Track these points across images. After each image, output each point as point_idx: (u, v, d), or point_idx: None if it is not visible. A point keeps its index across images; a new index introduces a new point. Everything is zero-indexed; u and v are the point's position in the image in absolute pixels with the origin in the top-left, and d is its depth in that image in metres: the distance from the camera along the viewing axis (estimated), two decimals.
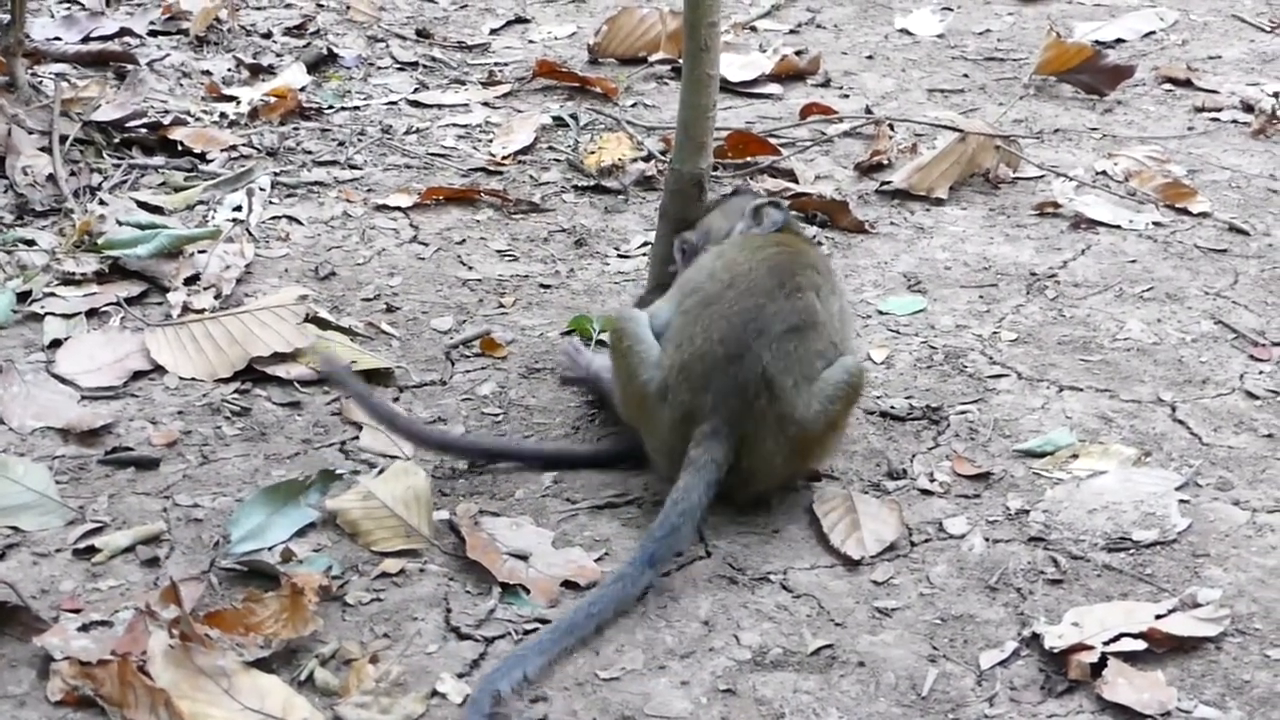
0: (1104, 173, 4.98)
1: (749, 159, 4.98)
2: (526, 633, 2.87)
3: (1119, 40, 6.35)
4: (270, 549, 3.06)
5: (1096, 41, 6.14)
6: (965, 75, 5.94)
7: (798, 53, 5.93)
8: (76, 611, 2.87)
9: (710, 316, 3.17)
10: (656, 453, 3.25)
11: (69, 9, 5.92)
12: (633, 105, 5.52)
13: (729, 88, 5.49)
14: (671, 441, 3.17)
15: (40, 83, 5.05)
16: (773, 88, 5.72)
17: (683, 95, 4.07)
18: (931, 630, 2.92)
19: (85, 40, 5.60)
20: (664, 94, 5.62)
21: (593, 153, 5.00)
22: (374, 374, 3.70)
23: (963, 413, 3.63)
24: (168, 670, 2.64)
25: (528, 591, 2.98)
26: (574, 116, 5.34)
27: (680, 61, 4.49)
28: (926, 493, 3.34)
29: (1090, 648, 2.80)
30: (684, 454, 3.11)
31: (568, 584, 3.00)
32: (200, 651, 2.68)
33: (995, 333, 4.00)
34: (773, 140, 5.13)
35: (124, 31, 5.72)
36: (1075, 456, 3.44)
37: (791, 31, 6.41)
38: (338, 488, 3.23)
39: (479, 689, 2.67)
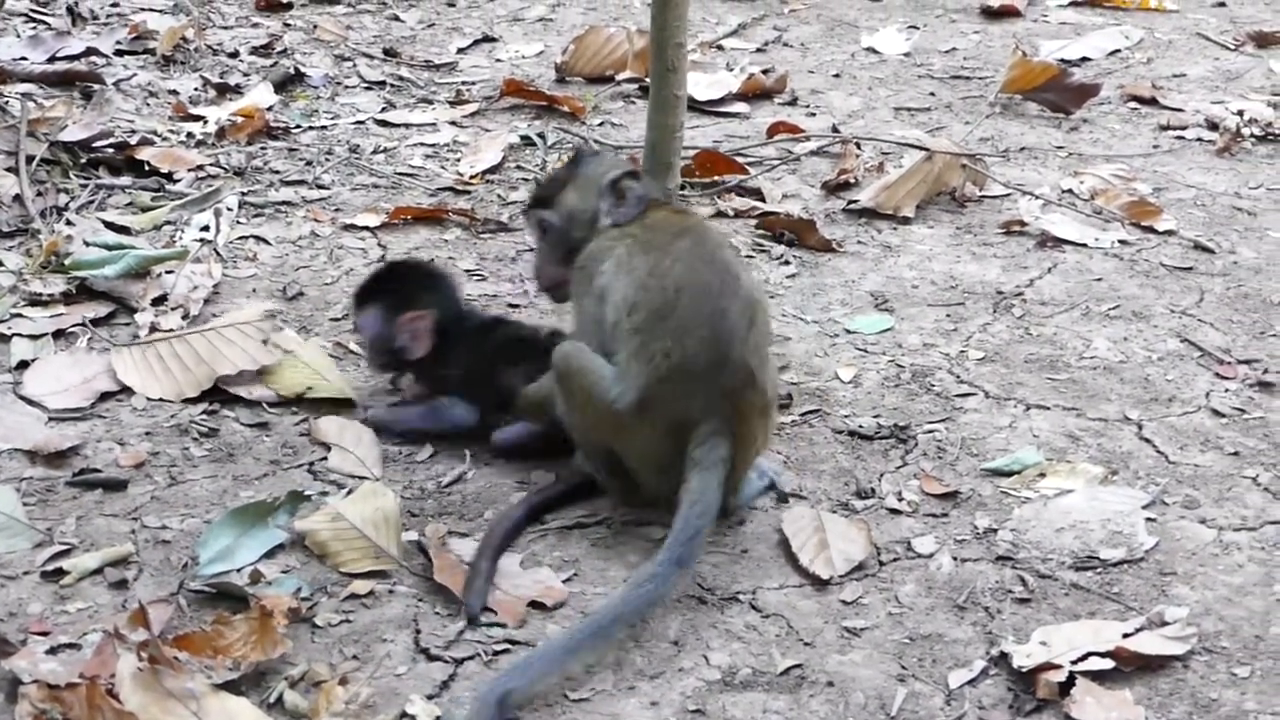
0: (1070, 191, 5.01)
1: (716, 178, 4.98)
2: (496, 654, 2.86)
3: (1084, 59, 6.40)
4: (239, 571, 3.05)
5: (1062, 60, 6.19)
6: (931, 94, 5.97)
7: (765, 71, 5.96)
8: (45, 634, 2.85)
9: (675, 328, 3.13)
10: (642, 468, 3.22)
11: (35, 28, 5.91)
12: (600, 124, 5.53)
13: (696, 106, 5.51)
14: (661, 453, 3.15)
15: (6, 103, 5.03)
16: (740, 106, 5.75)
17: (650, 115, 4.09)
18: (900, 650, 2.92)
19: (51, 60, 5.58)
20: (631, 113, 5.63)
21: None
22: (338, 400, 3.69)
23: (930, 432, 3.64)
24: (136, 693, 2.63)
25: (494, 613, 2.97)
26: (541, 135, 5.35)
27: (647, 80, 4.50)
28: (895, 512, 3.34)
29: (1058, 667, 2.81)
30: (676, 463, 3.11)
31: (534, 605, 3.00)
32: (169, 674, 2.66)
33: (962, 351, 4.01)
34: (740, 159, 5.14)
35: (90, 51, 5.71)
36: (1042, 475, 3.45)
37: (758, 50, 6.44)
38: (306, 509, 3.22)
39: (492, 685, 2.69)
